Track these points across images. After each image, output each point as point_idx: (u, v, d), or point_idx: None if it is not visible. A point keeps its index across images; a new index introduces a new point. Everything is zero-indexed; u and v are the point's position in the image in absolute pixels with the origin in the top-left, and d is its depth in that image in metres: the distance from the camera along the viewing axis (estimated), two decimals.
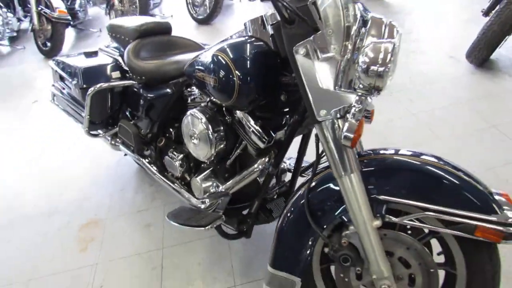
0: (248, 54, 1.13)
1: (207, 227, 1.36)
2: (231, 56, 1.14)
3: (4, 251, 1.90)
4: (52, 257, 1.82)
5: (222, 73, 1.15)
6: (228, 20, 5.18)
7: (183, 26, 5.00)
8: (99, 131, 1.91)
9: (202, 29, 4.95)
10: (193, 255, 1.71)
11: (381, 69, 0.84)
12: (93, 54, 1.90)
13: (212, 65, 1.18)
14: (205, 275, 1.61)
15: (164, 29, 1.85)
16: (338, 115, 0.96)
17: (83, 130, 1.86)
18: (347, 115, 0.92)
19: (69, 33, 5.30)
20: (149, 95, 1.68)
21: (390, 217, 1.03)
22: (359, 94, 0.91)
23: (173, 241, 1.80)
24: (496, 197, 0.98)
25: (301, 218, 1.13)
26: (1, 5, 5.19)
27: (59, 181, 2.36)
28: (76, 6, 5.39)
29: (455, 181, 1.00)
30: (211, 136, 1.32)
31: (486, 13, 2.40)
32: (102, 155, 2.49)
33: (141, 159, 1.77)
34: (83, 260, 1.78)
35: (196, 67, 1.28)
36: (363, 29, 0.94)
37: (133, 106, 1.82)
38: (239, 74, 1.12)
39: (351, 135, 0.89)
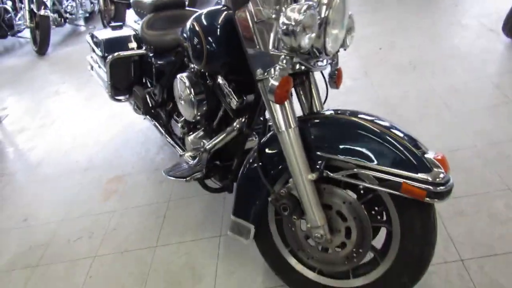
0: (217, 22, 1.25)
1: (187, 178, 1.53)
2: (202, 25, 1.26)
3: (47, 196, 2.27)
4: (82, 203, 2.14)
5: (195, 40, 1.28)
6: None
7: None
8: (122, 96, 2.16)
9: None
10: (192, 209, 1.90)
11: (294, 28, 0.92)
12: (118, 27, 2.14)
13: (188, 32, 1.32)
14: (197, 225, 1.80)
15: (178, 3, 2.02)
16: (272, 75, 1.05)
17: (107, 95, 2.12)
18: (271, 73, 1.01)
19: (131, 13, 5.74)
20: (158, 62, 1.87)
21: (327, 172, 1.11)
22: (283, 54, 0.99)
23: (178, 195, 2.01)
24: (431, 158, 1.00)
25: (256, 172, 1.24)
26: None
27: (98, 141, 2.69)
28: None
29: (390, 140, 1.04)
30: (193, 98, 1.47)
31: None
32: (135, 120, 2.78)
33: (150, 119, 1.98)
34: (105, 208, 2.07)
35: (182, 35, 1.43)
36: None
37: (147, 74, 2.03)
38: (207, 40, 1.24)
39: (273, 91, 0.98)
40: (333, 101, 2.40)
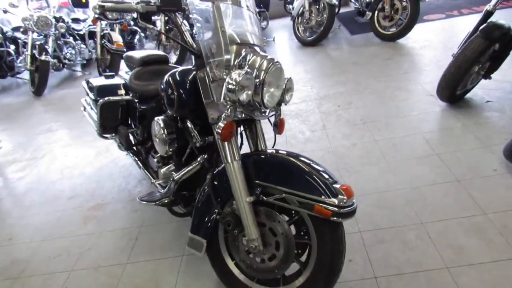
0: (186, 79, 1.61)
1: (156, 202, 1.85)
2: (175, 79, 1.63)
3: (32, 220, 2.52)
4: (63, 227, 2.40)
5: (169, 91, 1.65)
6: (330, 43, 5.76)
7: (287, 46, 5.71)
8: (108, 134, 2.50)
9: (305, 50, 5.57)
10: (161, 233, 2.19)
11: (234, 87, 1.29)
12: (111, 76, 2.53)
13: (164, 85, 1.69)
14: (164, 246, 2.08)
15: (162, 60, 2.43)
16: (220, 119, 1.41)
17: (96, 132, 2.46)
18: (220, 118, 1.37)
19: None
20: (141, 107, 2.24)
21: (262, 196, 1.44)
22: (229, 104, 1.36)
23: (151, 222, 2.29)
24: (338, 188, 1.34)
25: (209, 196, 1.57)
26: (77, 38, 6.27)
27: (83, 174, 2.99)
28: (135, 40, 6.43)
29: (310, 173, 1.37)
30: (165, 137, 1.81)
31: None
32: (119, 157, 3.10)
33: (131, 155, 2.32)
34: (83, 231, 2.33)
35: (160, 86, 1.80)
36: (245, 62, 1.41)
37: (132, 116, 2.40)
38: (178, 92, 1.61)
39: (219, 132, 1.33)
40: (294, 149, 2.78)
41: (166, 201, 1.85)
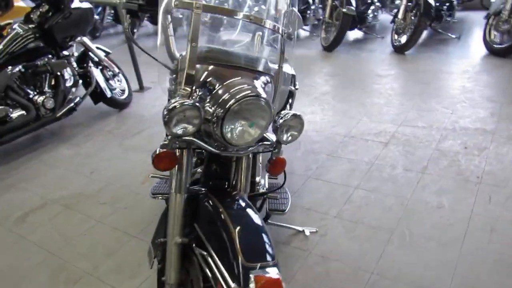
0: None
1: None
2: None
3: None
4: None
5: None
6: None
7: (468, 51, 4.99)
8: None
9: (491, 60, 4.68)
10: None
11: (164, 117, 1.07)
12: None
13: None
14: None
15: None
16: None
17: None
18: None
19: (356, 34, 6.18)
20: None
21: (194, 244, 1.23)
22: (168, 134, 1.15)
23: None
24: (252, 278, 1.02)
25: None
26: None
27: None
28: (369, 11, 5.91)
29: (244, 242, 1.08)
30: None
31: None
32: None
33: None
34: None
35: None
36: None
37: None
38: None
39: (152, 159, 1.15)
40: (368, 182, 2.30)
41: None
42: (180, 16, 1.32)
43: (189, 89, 1.15)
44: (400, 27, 5.03)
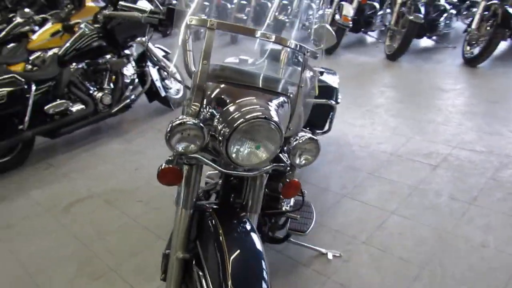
0: None
1: None
2: None
3: None
4: None
5: None
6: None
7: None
8: None
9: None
10: None
11: (166, 134, 1.07)
12: None
13: None
14: None
15: None
16: None
17: None
18: None
19: (425, 43, 5.84)
20: None
21: (194, 260, 1.23)
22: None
23: None
24: None
25: None
26: None
27: None
28: (441, 19, 5.44)
29: (237, 270, 1.06)
30: None
31: None
32: None
33: None
34: None
35: None
36: None
37: None
38: None
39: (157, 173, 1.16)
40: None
41: None
42: (202, 31, 1.32)
43: (198, 106, 1.14)
44: (473, 38, 4.63)
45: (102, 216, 2.36)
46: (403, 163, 2.64)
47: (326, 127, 2.45)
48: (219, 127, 1.11)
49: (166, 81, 4.04)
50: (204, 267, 1.14)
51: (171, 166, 1.15)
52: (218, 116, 1.14)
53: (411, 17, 4.77)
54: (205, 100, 1.16)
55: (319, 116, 2.38)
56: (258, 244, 1.15)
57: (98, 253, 2.05)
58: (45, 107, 3.03)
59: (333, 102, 2.28)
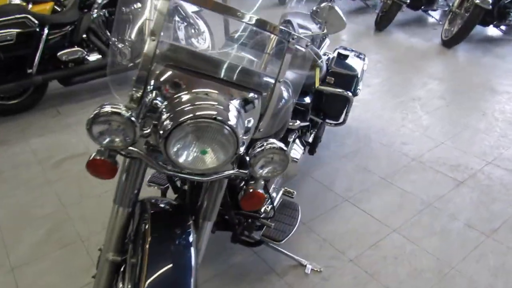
0: None
1: None
2: None
3: None
4: None
5: None
6: None
7: None
8: None
9: None
10: None
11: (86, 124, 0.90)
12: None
13: None
14: None
15: None
16: None
17: None
18: None
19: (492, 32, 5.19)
20: None
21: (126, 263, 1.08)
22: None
23: None
24: None
25: None
26: None
27: None
28: None
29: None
30: None
31: None
32: None
33: None
34: None
35: None
36: None
37: None
38: None
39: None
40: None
41: None
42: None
43: (140, 91, 0.94)
44: None
45: (89, 179, 2.25)
46: (424, 172, 2.32)
47: (341, 119, 2.17)
48: (162, 119, 0.92)
49: (192, 39, 3.83)
50: (125, 277, 1.00)
51: (102, 158, 0.97)
52: (163, 106, 0.94)
53: (477, 1, 4.18)
54: (151, 85, 0.96)
55: (334, 106, 2.11)
56: (192, 261, 0.99)
57: (72, 218, 1.97)
58: (58, 53, 2.93)
59: (350, 94, 1.98)
